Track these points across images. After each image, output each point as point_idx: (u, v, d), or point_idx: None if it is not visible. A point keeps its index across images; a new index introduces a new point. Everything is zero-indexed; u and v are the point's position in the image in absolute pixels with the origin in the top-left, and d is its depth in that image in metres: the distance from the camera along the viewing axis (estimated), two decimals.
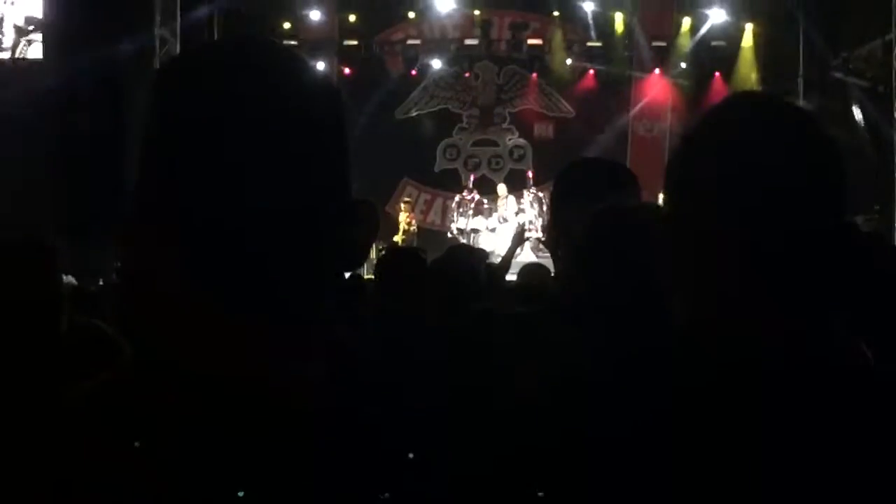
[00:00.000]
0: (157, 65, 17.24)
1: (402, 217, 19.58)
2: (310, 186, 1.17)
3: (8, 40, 16.75)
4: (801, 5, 19.45)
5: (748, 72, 21.18)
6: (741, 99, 1.62)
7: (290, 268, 1.16)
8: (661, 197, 1.69)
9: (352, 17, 21.45)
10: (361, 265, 1.32)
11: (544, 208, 19.43)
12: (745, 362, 1.42)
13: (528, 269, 7.11)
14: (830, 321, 1.47)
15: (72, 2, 15.87)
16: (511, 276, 7.71)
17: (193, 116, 1.16)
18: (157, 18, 17.56)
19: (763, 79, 20.93)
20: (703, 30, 21.21)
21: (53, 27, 16.16)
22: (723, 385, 1.41)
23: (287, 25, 21.23)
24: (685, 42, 21.57)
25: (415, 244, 19.09)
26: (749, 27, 21.03)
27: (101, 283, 10.61)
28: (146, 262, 1.19)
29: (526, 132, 22.83)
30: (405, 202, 20.23)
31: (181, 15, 17.79)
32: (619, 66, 22.11)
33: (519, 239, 8.55)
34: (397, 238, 19.09)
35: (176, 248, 1.15)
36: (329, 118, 1.23)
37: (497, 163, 22.71)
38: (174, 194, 1.15)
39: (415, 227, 19.87)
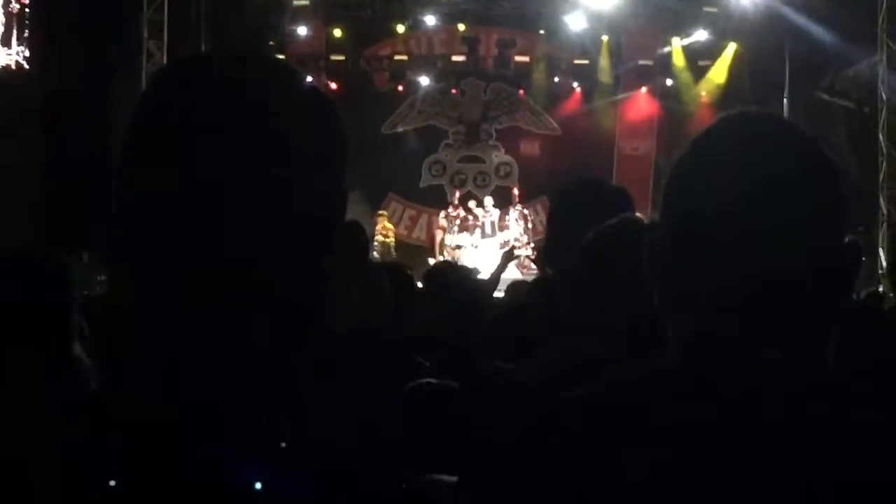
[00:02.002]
0: (144, 76, 17.23)
1: (378, 228, 19.55)
2: (292, 212, 1.14)
3: None
4: (788, 27, 19.54)
5: (715, 86, 21.28)
6: (737, 117, 1.56)
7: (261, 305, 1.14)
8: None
9: (338, 33, 21.44)
10: (339, 292, 1.28)
11: (529, 225, 19.48)
12: (735, 394, 1.41)
13: (515, 287, 7.12)
14: (826, 350, 1.46)
15: (59, 12, 15.81)
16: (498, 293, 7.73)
17: (175, 131, 1.13)
18: (145, 32, 17.54)
19: (749, 97, 21.01)
20: (687, 42, 21.24)
21: (40, 37, 16.09)
22: (711, 418, 1.39)
23: (272, 42, 21.18)
24: (672, 61, 21.63)
25: (392, 255, 19.04)
26: (732, 46, 21.12)
27: (85, 293, 10.53)
28: (120, 287, 1.17)
29: (512, 149, 22.83)
30: (380, 215, 20.17)
31: (168, 28, 17.76)
32: (605, 84, 22.17)
33: (508, 257, 8.55)
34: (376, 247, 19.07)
35: (147, 278, 1.12)
36: (322, 136, 1.20)
37: (483, 179, 22.69)
38: (148, 212, 1.12)
39: (391, 239, 19.85)
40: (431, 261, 17.55)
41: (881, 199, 17.34)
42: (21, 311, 2.87)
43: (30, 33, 15.92)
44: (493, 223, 19.91)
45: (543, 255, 3.36)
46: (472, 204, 20.49)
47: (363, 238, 4.24)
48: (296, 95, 1.21)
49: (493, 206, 20.27)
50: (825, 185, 1.46)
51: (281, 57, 20.95)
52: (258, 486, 1.11)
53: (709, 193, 1.45)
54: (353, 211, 17.05)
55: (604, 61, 21.85)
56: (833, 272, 1.44)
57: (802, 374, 1.42)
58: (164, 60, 17.59)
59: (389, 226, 20.20)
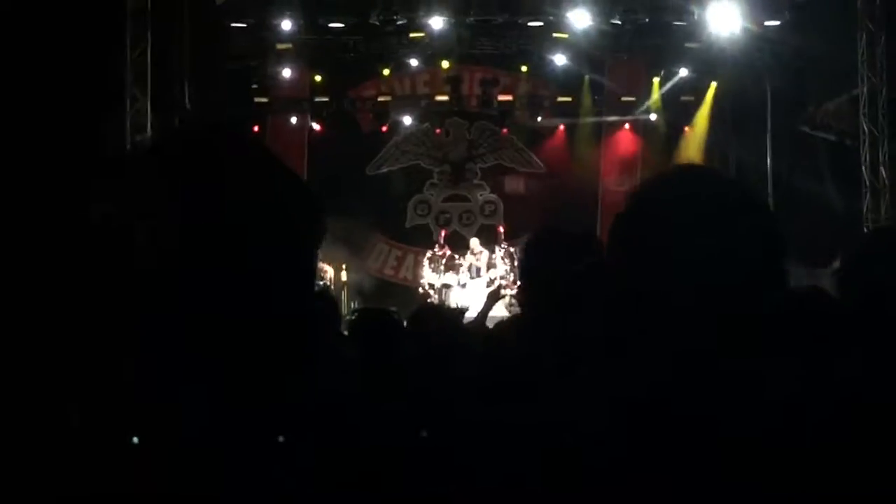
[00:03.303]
0: (128, 123, 17.24)
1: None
2: (266, 292, 1.16)
3: None
4: (768, 61, 19.68)
5: (701, 131, 21.46)
6: (678, 171, 1.71)
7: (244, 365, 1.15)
8: None
9: (322, 75, 21.50)
10: (314, 358, 1.30)
11: (515, 263, 19.47)
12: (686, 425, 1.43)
13: (501, 326, 7.09)
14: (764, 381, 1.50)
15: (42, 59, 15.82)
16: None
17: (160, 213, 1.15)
18: (130, 77, 17.54)
19: (731, 132, 21.16)
20: (670, 84, 21.42)
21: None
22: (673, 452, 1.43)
23: (256, 85, 21.27)
24: (655, 97, 21.76)
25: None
26: (713, 85, 21.27)
27: None
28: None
29: (497, 188, 22.90)
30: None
31: (152, 73, 17.77)
32: (588, 121, 22.27)
33: (494, 297, 8.55)
34: None
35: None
36: (299, 221, 1.21)
37: (468, 218, 22.74)
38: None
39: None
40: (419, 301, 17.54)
41: (865, 231, 17.37)
42: None
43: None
44: (479, 265, 19.86)
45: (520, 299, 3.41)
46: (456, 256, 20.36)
47: (332, 309, 4.27)
48: (267, 182, 1.22)
49: (480, 245, 20.20)
50: (756, 231, 1.53)
51: (265, 100, 21.10)
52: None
53: (649, 234, 1.53)
54: (337, 253, 16.75)
55: (586, 98, 21.98)
56: (766, 309, 1.49)
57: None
58: (148, 106, 17.61)
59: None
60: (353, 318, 5.15)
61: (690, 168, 1.73)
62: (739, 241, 1.49)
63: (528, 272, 3.13)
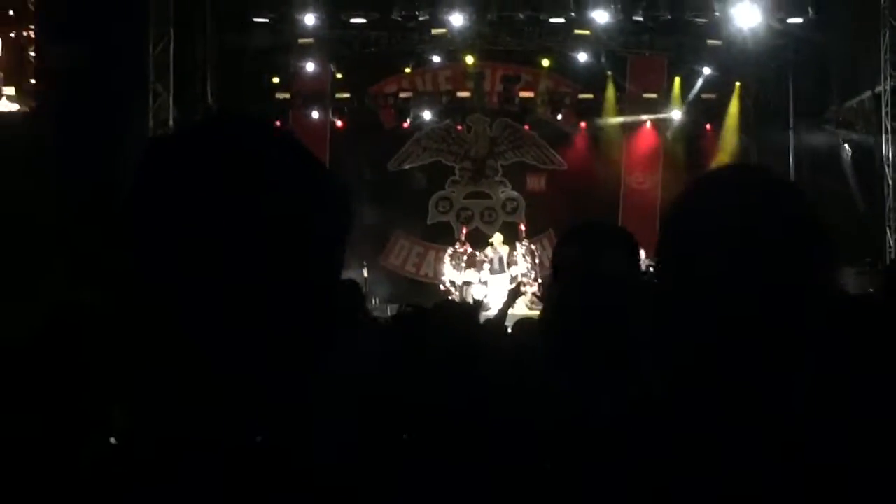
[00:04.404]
0: (150, 118, 17.31)
1: None
2: (288, 280, 1.17)
3: None
4: (791, 58, 19.62)
5: (732, 131, 21.39)
6: (731, 170, 1.73)
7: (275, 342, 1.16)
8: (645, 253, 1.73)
9: (344, 70, 21.54)
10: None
11: (537, 261, 19.47)
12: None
13: (522, 324, 7.09)
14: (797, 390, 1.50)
15: (66, 51, 15.89)
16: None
17: (175, 204, 1.15)
18: (151, 74, 17.61)
19: (754, 130, 21.10)
20: (696, 88, 21.41)
21: (46, 78, 16.16)
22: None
23: (278, 80, 21.29)
24: (676, 94, 21.70)
25: None
26: (737, 85, 21.23)
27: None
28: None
29: (518, 185, 22.86)
30: None
31: (174, 68, 17.84)
32: (610, 118, 22.22)
33: (515, 294, 8.56)
34: None
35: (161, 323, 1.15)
36: (320, 207, 1.22)
37: (490, 215, 22.71)
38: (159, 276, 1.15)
39: None
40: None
41: (887, 231, 17.30)
42: None
43: (36, 74, 15.99)
44: (501, 259, 19.85)
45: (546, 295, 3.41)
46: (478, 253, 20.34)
47: (358, 295, 4.29)
48: (290, 165, 1.23)
49: (503, 241, 20.15)
50: (807, 235, 1.51)
51: (286, 95, 21.13)
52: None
53: (698, 235, 1.52)
54: (358, 250, 16.77)
55: (608, 95, 21.93)
56: (811, 314, 1.48)
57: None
58: (171, 101, 17.67)
59: None
60: (405, 309, 5.19)
61: (744, 168, 1.71)
62: (790, 247, 1.48)
63: (562, 265, 3.11)
